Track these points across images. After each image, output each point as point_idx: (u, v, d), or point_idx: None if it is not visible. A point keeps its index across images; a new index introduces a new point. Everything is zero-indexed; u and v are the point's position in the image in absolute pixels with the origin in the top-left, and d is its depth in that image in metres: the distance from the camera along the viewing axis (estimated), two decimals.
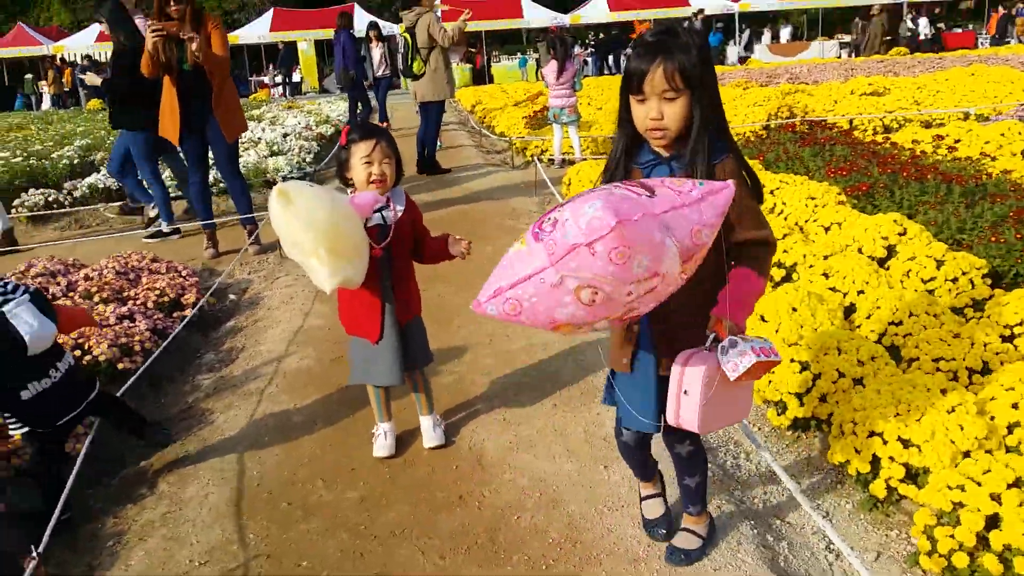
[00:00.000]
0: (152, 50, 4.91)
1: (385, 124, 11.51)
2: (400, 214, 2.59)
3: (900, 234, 3.87)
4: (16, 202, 7.21)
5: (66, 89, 28.26)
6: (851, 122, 8.66)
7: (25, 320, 2.26)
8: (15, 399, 2.34)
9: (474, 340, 3.74)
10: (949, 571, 1.97)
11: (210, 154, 5.49)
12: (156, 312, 4.04)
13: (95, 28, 29.72)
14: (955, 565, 1.94)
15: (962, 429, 2.25)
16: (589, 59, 27.42)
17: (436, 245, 2.69)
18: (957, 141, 6.21)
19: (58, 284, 4.23)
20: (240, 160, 8.33)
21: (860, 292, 3.40)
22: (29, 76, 30.39)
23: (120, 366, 3.41)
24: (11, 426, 2.42)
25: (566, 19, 29.63)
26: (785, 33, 32.81)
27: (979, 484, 2.03)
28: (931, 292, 3.40)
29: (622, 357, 1.94)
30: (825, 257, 3.77)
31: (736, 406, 1.86)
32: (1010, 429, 2.31)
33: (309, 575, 2.19)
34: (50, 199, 7.35)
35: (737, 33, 30.57)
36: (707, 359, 1.72)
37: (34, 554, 1.97)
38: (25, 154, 8.86)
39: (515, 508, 2.41)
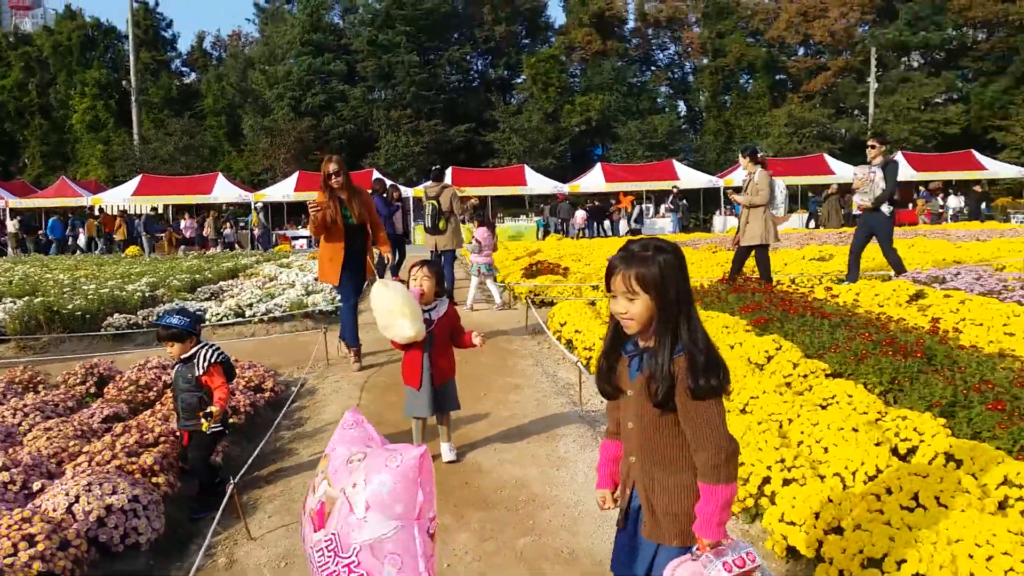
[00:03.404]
0: (316, 221, 6.42)
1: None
2: (440, 315, 4.25)
3: (777, 348, 5.52)
4: (105, 322, 8.91)
5: (97, 235, 30.76)
6: (793, 280, 10.52)
7: None
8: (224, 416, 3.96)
9: (483, 403, 5.30)
10: None
11: None
12: (248, 391, 5.62)
13: (132, 184, 32.49)
14: None
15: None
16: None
17: (465, 338, 4.32)
18: (858, 294, 7.95)
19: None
20: (285, 295, 10.16)
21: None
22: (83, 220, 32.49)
23: (231, 420, 4.97)
24: (213, 427, 3.93)
25: (566, 188, 32.53)
26: None
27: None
28: (789, 385, 5.00)
29: (620, 515, 2.26)
30: None
31: None
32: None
33: None
34: (130, 321, 9.05)
35: (722, 204, 33.35)
36: (691, 568, 1.98)
37: (231, 482, 3.49)
38: (107, 287, 10.65)
39: (498, 488, 3.94)
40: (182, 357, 3.98)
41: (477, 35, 48.88)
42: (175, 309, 4.28)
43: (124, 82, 45.30)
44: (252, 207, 32.29)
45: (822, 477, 3.50)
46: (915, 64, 46.84)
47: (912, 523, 2.86)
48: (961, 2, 42.52)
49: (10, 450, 4.12)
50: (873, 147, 9.17)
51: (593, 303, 8.71)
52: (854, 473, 3.45)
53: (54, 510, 3.26)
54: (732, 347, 5.86)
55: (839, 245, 15.50)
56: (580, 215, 30.17)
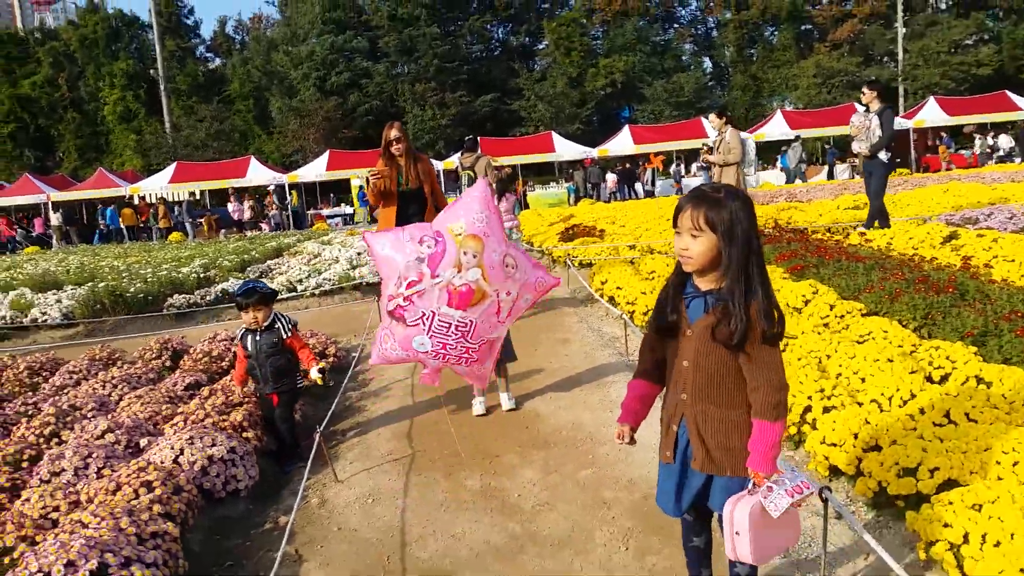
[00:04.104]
0: (375, 189, 6.36)
1: None
2: None
3: (814, 292, 5.75)
4: (167, 303, 9.36)
5: (141, 224, 31.56)
6: (828, 229, 10.66)
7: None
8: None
9: (535, 357, 5.62)
10: None
11: None
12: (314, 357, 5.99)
13: (168, 171, 33.12)
14: None
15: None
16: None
17: None
18: (892, 238, 8.10)
19: None
20: (332, 270, 10.53)
21: None
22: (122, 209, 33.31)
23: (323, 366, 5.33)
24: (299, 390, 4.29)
25: (594, 152, 32.56)
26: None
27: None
28: (826, 326, 5.24)
29: (666, 450, 2.34)
30: None
31: (785, 533, 2.17)
32: None
33: (448, 457, 4.04)
34: (190, 301, 9.49)
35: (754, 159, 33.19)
36: (751, 502, 2.08)
37: (317, 430, 3.85)
38: (163, 271, 11.13)
39: (556, 431, 4.26)
40: (264, 325, 4.29)
41: (496, 3, 48.64)
42: (253, 280, 4.59)
43: (151, 71, 46.00)
44: (286, 189, 32.82)
45: (860, 404, 3.75)
46: (943, 6, 45.86)
47: (943, 436, 3.12)
48: None
49: (109, 415, 4.52)
50: (865, 93, 9.10)
51: (632, 262, 8.95)
52: (890, 399, 3.70)
53: (162, 462, 3.63)
54: None
55: None
56: (611, 178, 30.23)
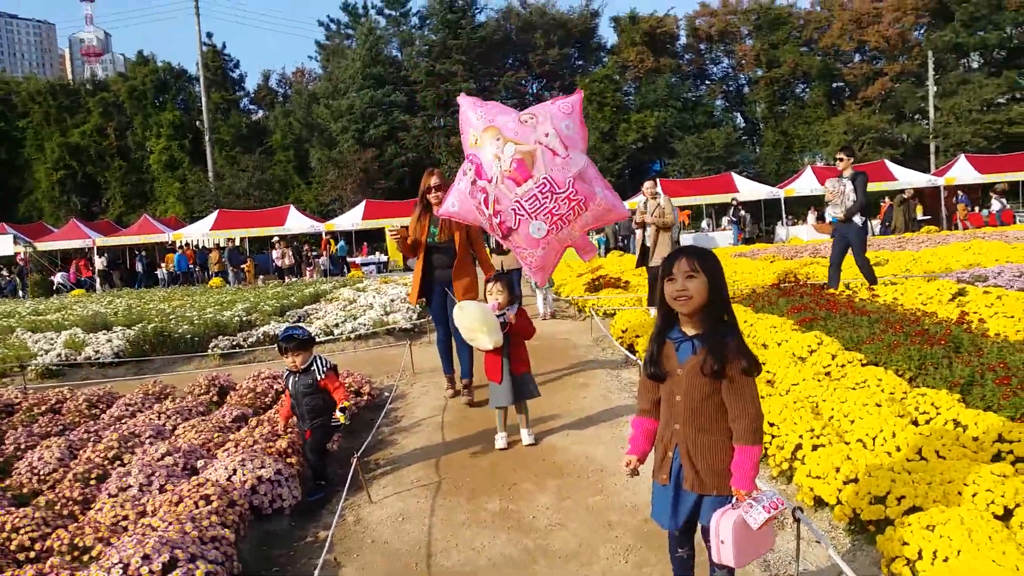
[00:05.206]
0: (397, 243, 6.27)
1: None
2: (511, 318, 5.00)
3: (819, 343, 6.11)
4: (211, 344, 9.92)
5: (182, 269, 32.73)
6: (847, 284, 10.98)
7: None
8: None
9: (556, 399, 6.02)
10: None
11: None
12: (349, 395, 6.45)
13: (210, 219, 34.24)
14: None
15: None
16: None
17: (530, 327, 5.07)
18: (900, 294, 8.44)
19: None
20: (367, 316, 11.05)
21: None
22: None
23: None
24: (333, 422, 4.71)
25: (625, 205, 33.09)
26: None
27: None
28: (828, 374, 5.59)
29: (662, 474, 2.73)
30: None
31: (762, 544, 2.57)
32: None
33: (471, 485, 4.44)
34: (233, 342, 10.05)
35: (783, 214, 33.59)
36: (734, 516, 2.47)
37: (355, 455, 4.28)
38: (208, 313, 11.74)
39: (570, 463, 4.66)
40: (302, 367, 4.72)
41: (531, 60, 49.97)
42: (293, 326, 4.98)
43: (197, 122, 47.73)
44: (330, 236, 33.80)
45: (847, 443, 4.11)
46: (974, 65, 46.25)
47: (912, 469, 3.48)
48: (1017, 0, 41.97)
49: (166, 441, 5.00)
50: (841, 160, 9.47)
51: (652, 312, 9.36)
52: (874, 439, 4.06)
53: (218, 480, 4.09)
54: (779, 344, 6.47)
55: (896, 251, 15.83)
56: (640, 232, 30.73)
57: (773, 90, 48.35)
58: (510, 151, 2.88)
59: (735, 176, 34.97)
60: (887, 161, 34.44)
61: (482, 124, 3.06)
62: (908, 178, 31.80)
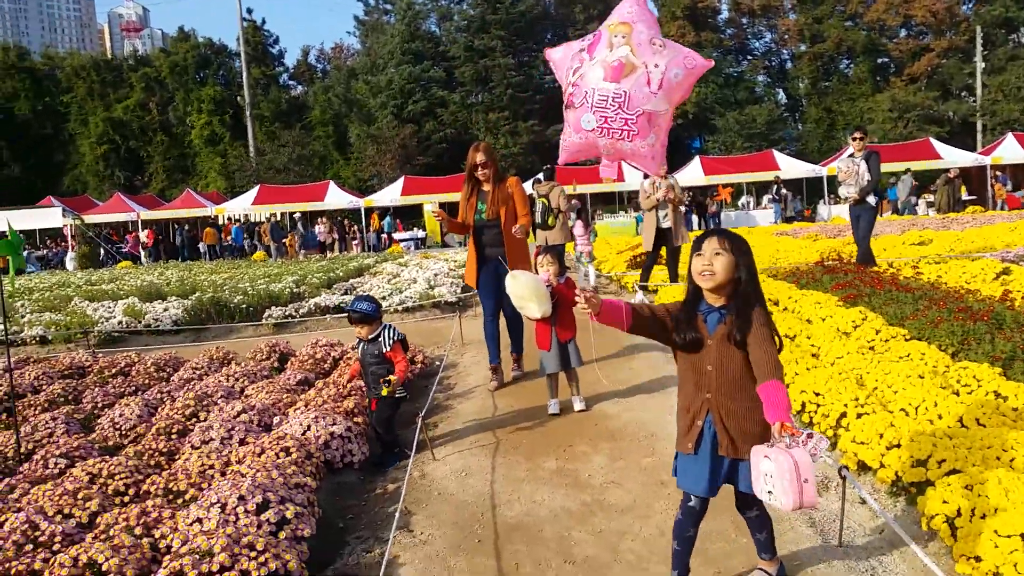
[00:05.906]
0: (447, 225, 6.05)
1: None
2: (558, 284, 5.21)
3: (863, 319, 6.26)
4: (266, 314, 10.30)
5: (224, 243, 33.45)
6: (891, 264, 11.03)
7: None
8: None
9: (605, 369, 6.25)
10: None
11: None
12: None
13: (251, 194, 34.79)
14: None
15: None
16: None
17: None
18: (944, 272, 8.51)
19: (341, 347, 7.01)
20: (412, 289, 11.34)
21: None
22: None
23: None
24: (398, 394, 4.94)
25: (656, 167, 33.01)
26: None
27: None
28: (872, 348, 5.75)
29: (687, 443, 2.78)
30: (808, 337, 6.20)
31: (809, 492, 2.40)
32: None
33: (528, 446, 4.70)
34: (286, 313, 10.41)
35: (825, 193, 33.30)
36: (796, 451, 2.39)
37: (419, 415, 4.56)
38: (261, 285, 12.15)
39: (622, 428, 4.90)
40: (369, 337, 4.86)
41: (570, 34, 49.60)
42: (363, 296, 5.03)
43: (237, 97, 48.33)
44: (377, 211, 34.30)
45: (891, 412, 4.29)
46: None
47: (953, 435, 3.66)
48: None
49: (238, 401, 5.32)
50: (856, 139, 9.45)
51: None
52: (916, 408, 4.23)
53: (294, 434, 4.39)
54: (824, 319, 6.62)
55: (940, 230, 15.74)
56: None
57: (816, 66, 47.69)
58: (623, 51, 3.13)
59: (776, 153, 34.66)
60: (932, 139, 33.91)
61: (627, 17, 3.31)
62: (953, 157, 31.30)
